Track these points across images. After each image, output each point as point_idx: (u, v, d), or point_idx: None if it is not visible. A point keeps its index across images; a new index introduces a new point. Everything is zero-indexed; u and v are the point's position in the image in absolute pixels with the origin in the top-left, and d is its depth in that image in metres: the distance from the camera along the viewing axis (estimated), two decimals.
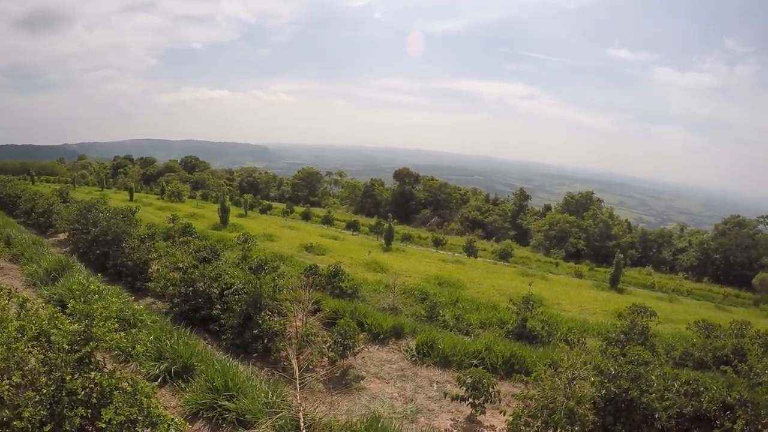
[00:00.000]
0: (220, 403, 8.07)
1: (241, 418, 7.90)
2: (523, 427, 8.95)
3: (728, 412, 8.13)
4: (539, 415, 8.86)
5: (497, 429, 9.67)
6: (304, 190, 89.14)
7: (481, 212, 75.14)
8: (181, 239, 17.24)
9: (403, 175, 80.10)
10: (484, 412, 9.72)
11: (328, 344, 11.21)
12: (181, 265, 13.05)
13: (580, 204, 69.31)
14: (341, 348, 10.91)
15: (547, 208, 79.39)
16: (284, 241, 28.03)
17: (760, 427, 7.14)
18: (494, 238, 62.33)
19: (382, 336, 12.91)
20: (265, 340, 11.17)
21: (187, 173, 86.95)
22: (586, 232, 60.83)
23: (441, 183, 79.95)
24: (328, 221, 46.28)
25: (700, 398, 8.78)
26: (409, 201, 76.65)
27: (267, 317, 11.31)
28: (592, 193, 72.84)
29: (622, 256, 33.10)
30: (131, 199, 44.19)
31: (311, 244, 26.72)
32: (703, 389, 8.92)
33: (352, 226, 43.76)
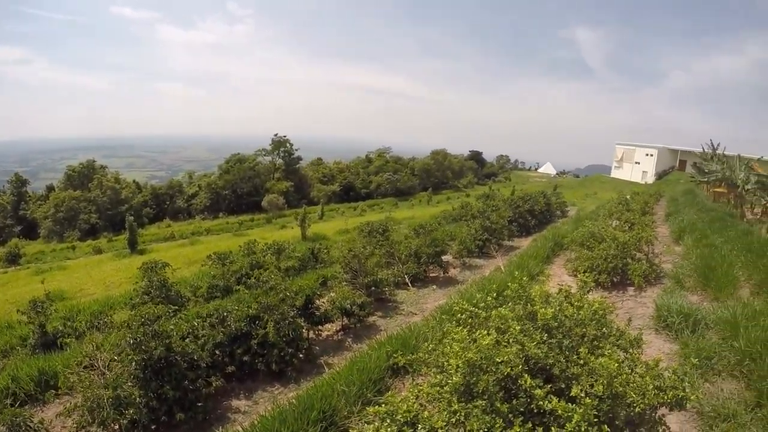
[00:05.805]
0: None
1: None
2: None
3: (257, 321, 8.75)
4: (93, 420, 7.64)
5: None
6: None
7: None
8: None
9: None
10: None
11: None
12: None
13: (84, 175, 63.85)
14: None
15: (50, 188, 69.64)
16: None
17: (286, 323, 8.08)
18: None
19: None
20: None
21: None
22: (96, 204, 57.72)
23: None
24: None
25: (226, 322, 9.06)
26: None
27: None
28: (94, 161, 67.91)
29: (132, 218, 32.95)
30: None
31: None
32: (225, 313, 9.24)
33: None
